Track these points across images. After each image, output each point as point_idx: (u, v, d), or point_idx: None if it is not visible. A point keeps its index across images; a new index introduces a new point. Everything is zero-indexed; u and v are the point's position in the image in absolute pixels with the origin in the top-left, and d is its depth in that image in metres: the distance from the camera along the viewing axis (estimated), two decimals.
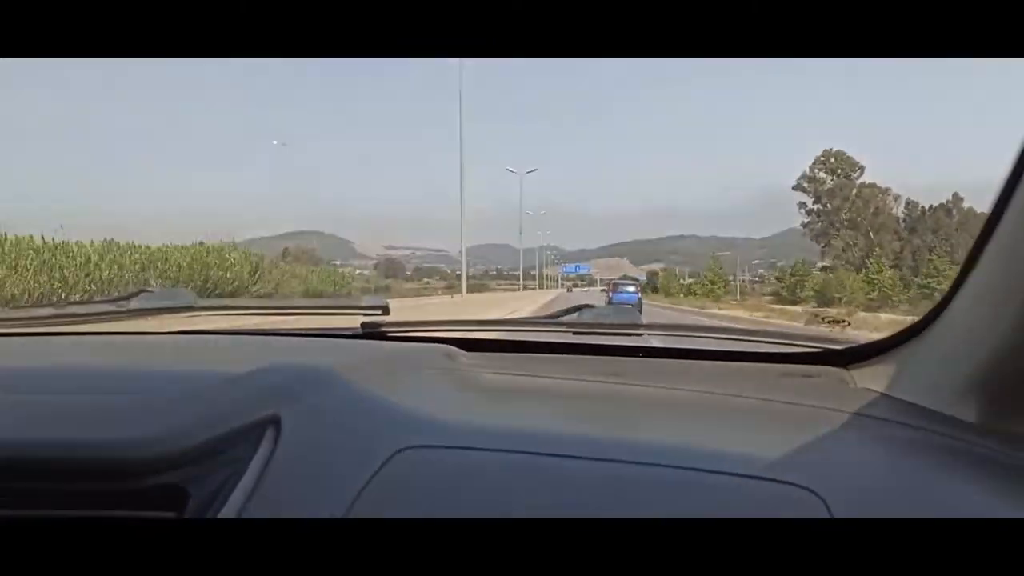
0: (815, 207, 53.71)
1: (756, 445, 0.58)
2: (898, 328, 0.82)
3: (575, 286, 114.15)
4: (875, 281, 37.76)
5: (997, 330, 0.59)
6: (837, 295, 35.32)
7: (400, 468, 0.53)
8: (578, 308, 1.26)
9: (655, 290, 69.56)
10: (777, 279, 55.99)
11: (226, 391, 0.58)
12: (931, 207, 52.50)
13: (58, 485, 0.49)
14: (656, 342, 1.14)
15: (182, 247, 17.36)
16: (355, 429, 0.57)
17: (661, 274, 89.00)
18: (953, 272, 0.73)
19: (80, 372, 0.71)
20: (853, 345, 0.92)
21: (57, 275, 12.44)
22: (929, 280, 35.00)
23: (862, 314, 20.84)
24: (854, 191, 52.35)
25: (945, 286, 0.84)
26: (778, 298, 45.70)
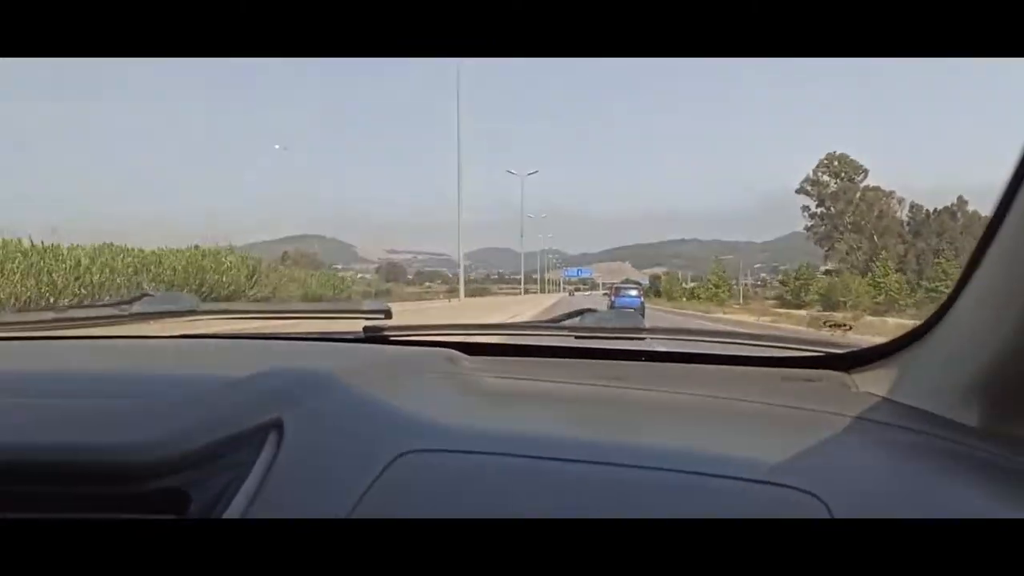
0: (818, 210, 53.46)
1: (758, 449, 0.58)
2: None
3: (577, 290, 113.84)
4: (881, 285, 37.47)
5: (999, 334, 0.59)
6: (842, 299, 34.98)
7: (402, 472, 0.53)
8: (580, 312, 1.23)
9: (658, 294, 69.28)
10: (781, 283, 55.71)
11: (228, 395, 0.59)
12: (935, 210, 52.18)
13: (60, 489, 0.49)
14: (658, 346, 1.13)
15: (177, 250, 17.08)
16: (357, 433, 0.57)
17: (664, 278, 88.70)
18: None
19: (82, 376, 0.71)
20: (855, 349, 0.92)
21: (45, 279, 12.11)
22: (937, 284, 34.70)
23: (869, 318, 20.55)
24: (858, 194, 52.06)
25: None
26: (782, 302, 45.36)
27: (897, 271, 42.66)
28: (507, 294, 70.73)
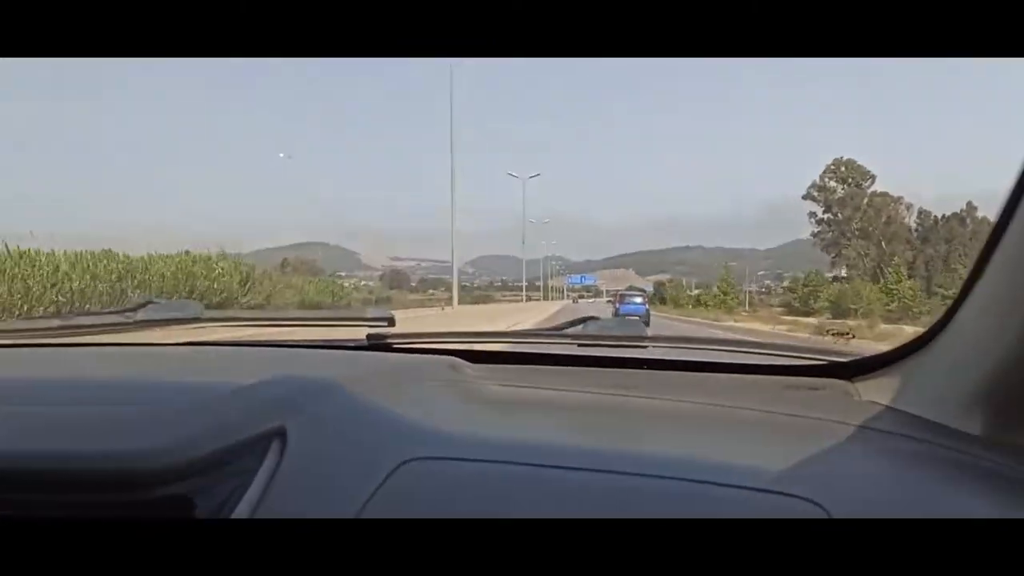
0: (825, 216, 52.79)
1: (761, 458, 0.58)
2: None
3: (580, 297, 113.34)
4: (894, 292, 36.60)
5: (1003, 342, 0.59)
6: (853, 306, 34.11)
7: (405, 480, 0.53)
8: (583, 320, 1.22)
9: (663, 301, 68.47)
10: (789, 289, 54.84)
11: (232, 403, 0.59)
12: (944, 216, 51.53)
13: (65, 496, 0.49)
14: (661, 354, 1.13)
15: (167, 256, 16.53)
16: (360, 441, 0.58)
17: (668, 285, 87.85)
18: None
19: (87, 383, 0.72)
20: (858, 357, 0.92)
21: (19, 286, 11.54)
22: (954, 291, 32.97)
23: (884, 326, 19.85)
24: (865, 200, 51.40)
25: None
26: (790, 309, 44.56)
27: (908, 278, 41.80)
28: (510, 301, 70.06)
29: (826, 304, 38.75)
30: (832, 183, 52.67)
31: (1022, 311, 0.56)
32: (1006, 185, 0.57)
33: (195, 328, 1.20)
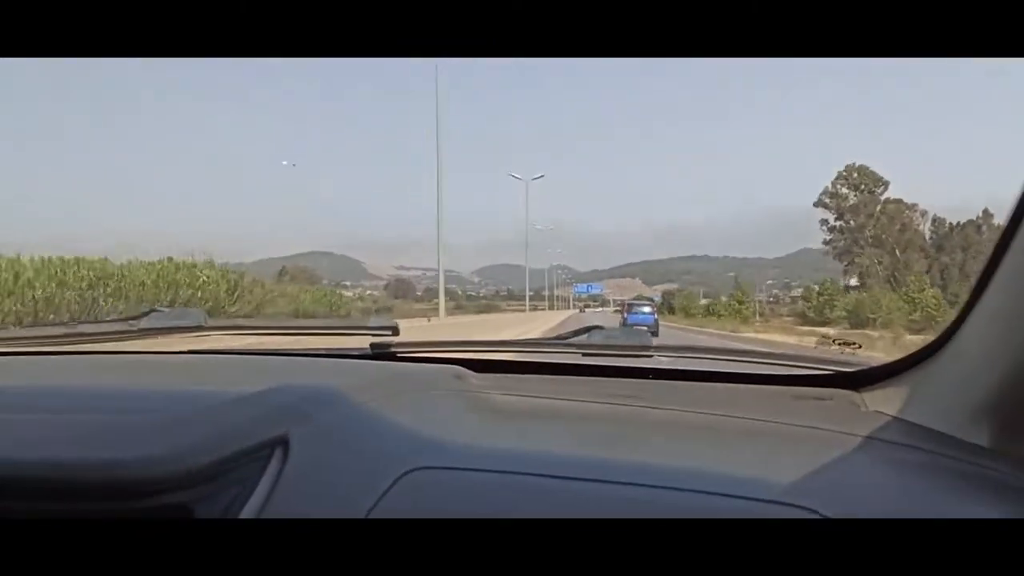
0: (838, 224, 51.65)
1: (766, 468, 0.58)
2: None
3: (587, 306, 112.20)
4: (917, 300, 35.33)
5: (1010, 352, 0.59)
6: (872, 315, 32.93)
7: (408, 489, 0.53)
8: (587, 329, 1.21)
9: (671, 310, 67.30)
10: (803, 299, 53.50)
11: (235, 411, 0.59)
12: (959, 223, 50.33)
13: (67, 505, 0.49)
14: (666, 364, 1.13)
15: (147, 263, 15.61)
16: (363, 450, 0.58)
17: (678, 294, 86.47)
18: None
19: (89, 391, 0.72)
20: (864, 368, 0.93)
21: None
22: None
23: (909, 337, 18.78)
24: (878, 207, 50.26)
25: None
26: (804, 319, 43.31)
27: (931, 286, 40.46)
28: (515, 311, 68.90)
29: (843, 314, 37.52)
30: (844, 190, 51.60)
31: None
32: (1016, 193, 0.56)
33: (198, 336, 1.20)
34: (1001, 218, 0.58)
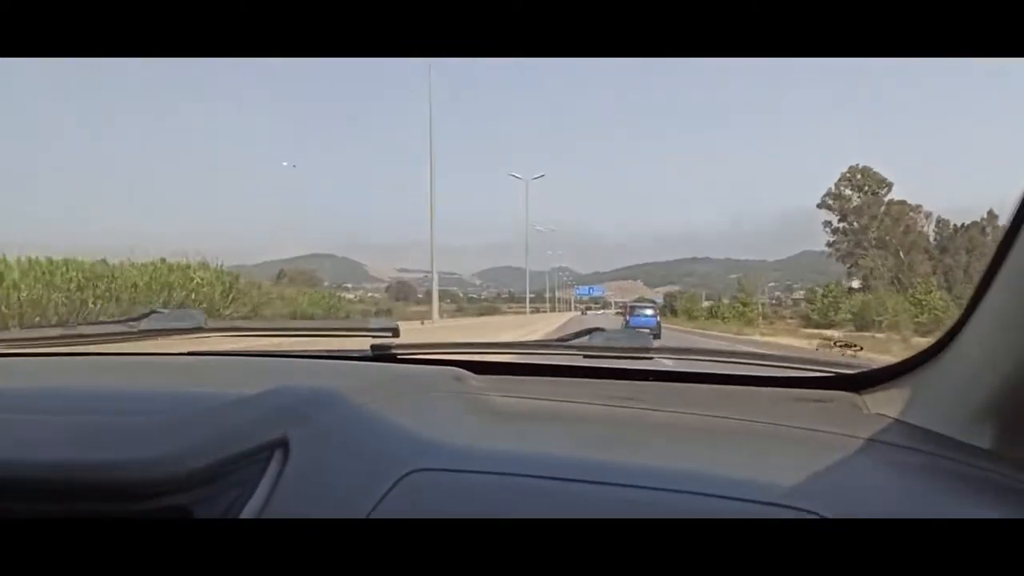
0: (841, 226, 51.24)
1: (767, 471, 0.58)
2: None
3: (588, 309, 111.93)
4: (924, 303, 34.88)
5: (1011, 355, 0.59)
6: (877, 318, 32.49)
7: (408, 491, 0.53)
8: (588, 331, 1.21)
9: (673, 313, 66.88)
10: (807, 301, 53.01)
11: (235, 412, 0.59)
12: (963, 225, 49.92)
13: (66, 506, 0.49)
14: (667, 366, 1.14)
15: (140, 264, 15.34)
16: (363, 452, 0.58)
17: (680, 296, 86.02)
18: None
19: (88, 393, 0.72)
20: (866, 370, 0.93)
21: None
22: None
23: (918, 339, 18.40)
24: (882, 208, 49.86)
25: None
26: (808, 322, 42.86)
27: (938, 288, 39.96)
28: (516, 313, 68.52)
29: (848, 316, 37.06)
30: (848, 191, 51.19)
31: None
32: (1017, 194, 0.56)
33: (198, 338, 1.20)
34: (1005, 220, 0.58)
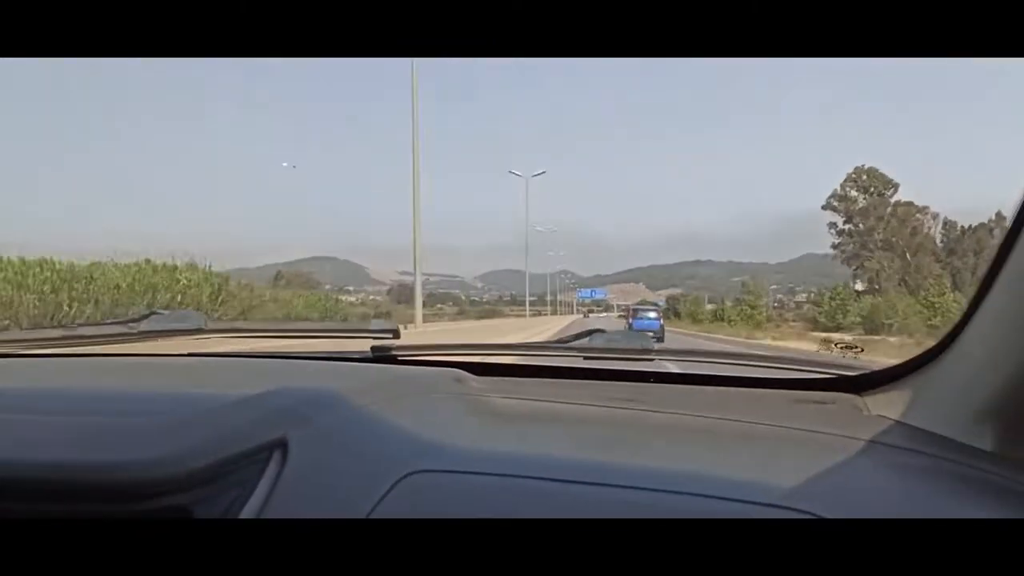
0: (846, 227, 50.51)
1: (769, 472, 0.58)
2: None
3: (591, 311, 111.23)
4: (936, 305, 34.13)
5: (1012, 356, 0.59)
6: (887, 321, 31.75)
7: (407, 492, 0.53)
8: (589, 333, 1.21)
9: (677, 315, 66.12)
10: (814, 304, 52.12)
11: (234, 413, 0.59)
12: (971, 226, 49.15)
13: (66, 507, 0.49)
14: (668, 367, 1.14)
15: (123, 265, 14.67)
16: (363, 453, 0.58)
17: (683, 299, 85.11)
18: None
19: (88, 393, 0.72)
20: (867, 371, 0.93)
21: None
22: None
23: (932, 343, 17.62)
24: (888, 210, 49.11)
25: None
26: (815, 324, 42.05)
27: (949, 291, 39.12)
28: (517, 315, 67.73)
29: (857, 319, 36.30)
30: (853, 192, 50.48)
31: None
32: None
33: (198, 339, 1.20)
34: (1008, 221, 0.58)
